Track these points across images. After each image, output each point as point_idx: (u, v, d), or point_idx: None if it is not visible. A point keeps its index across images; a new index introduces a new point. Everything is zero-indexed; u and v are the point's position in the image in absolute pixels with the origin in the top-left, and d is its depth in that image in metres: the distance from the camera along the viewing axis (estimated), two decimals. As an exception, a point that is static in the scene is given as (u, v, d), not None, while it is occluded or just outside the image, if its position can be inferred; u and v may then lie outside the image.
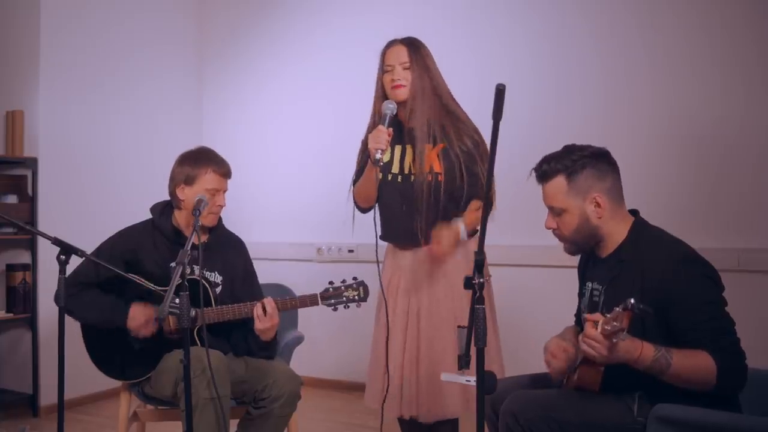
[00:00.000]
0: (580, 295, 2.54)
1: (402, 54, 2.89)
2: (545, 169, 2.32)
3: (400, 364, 2.87)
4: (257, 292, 3.13)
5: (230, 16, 5.81)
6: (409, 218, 2.88)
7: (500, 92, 1.77)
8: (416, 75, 2.88)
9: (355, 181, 3.05)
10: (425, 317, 2.87)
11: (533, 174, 2.38)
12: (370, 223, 2.87)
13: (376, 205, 3.02)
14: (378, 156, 2.72)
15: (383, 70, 2.94)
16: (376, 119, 2.94)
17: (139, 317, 2.89)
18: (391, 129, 2.77)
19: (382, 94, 2.95)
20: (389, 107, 2.80)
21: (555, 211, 2.33)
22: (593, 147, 2.34)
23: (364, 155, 2.96)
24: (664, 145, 4.15)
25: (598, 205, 2.28)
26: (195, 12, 5.87)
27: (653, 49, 4.19)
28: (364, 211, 3.06)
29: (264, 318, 2.86)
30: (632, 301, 1.90)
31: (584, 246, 2.37)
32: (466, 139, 2.88)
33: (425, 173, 2.84)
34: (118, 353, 2.95)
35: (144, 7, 5.38)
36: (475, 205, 2.88)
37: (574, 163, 2.28)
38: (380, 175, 2.93)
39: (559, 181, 2.29)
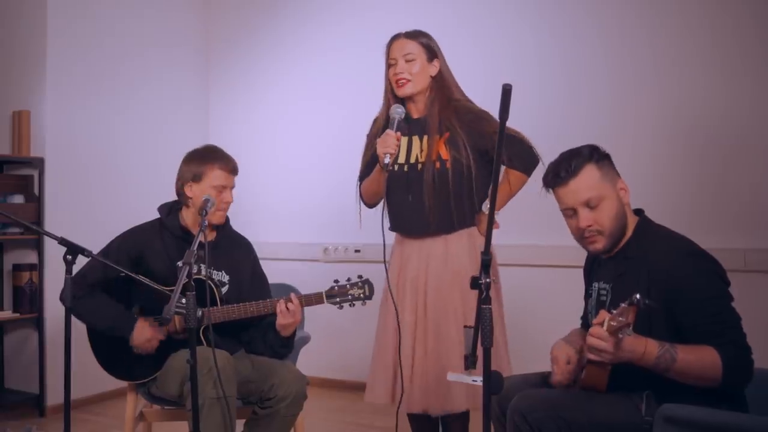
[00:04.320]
0: (587, 296, 2.54)
1: (405, 46, 2.91)
2: (575, 164, 2.26)
3: (410, 359, 2.87)
4: (267, 293, 3.14)
5: (237, 17, 5.82)
6: (415, 207, 2.88)
7: (506, 92, 1.77)
8: (423, 65, 2.90)
9: (361, 178, 3.06)
10: (432, 311, 2.86)
11: (545, 184, 2.36)
12: (376, 223, 2.87)
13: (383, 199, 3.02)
14: (387, 160, 2.74)
15: (388, 63, 2.95)
16: (385, 116, 2.94)
17: (142, 334, 2.91)
18: (399, 133, 2.79)
19: (389, 89, 2.96)
20: (397, 111, 2.83)
21: (591, 204, 2.26)
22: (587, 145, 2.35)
23: (370, 151, 2.98)
24: (671, 145, 4.14)
25: (624, 190, 2.30)
26: (202, 12, 5.88)
27: (660, 49, 4.19)
28: (370, 206, 3.07)
29: (287, 314, 2.87)
30: (638, 296, 1.90)
31: (618, 236, 2.29)
32: (470, 122, 2.88)
33: (432, 161, 2.85)
34: (125, 354, 2.95)
35: (150, 8, 5.39)
36: (512, 174, 2.89)
37: (592, 153, 2.28)
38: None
39: (591, 170, 2.26)
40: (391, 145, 2.75)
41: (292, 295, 2.91)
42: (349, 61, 5.18)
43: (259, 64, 5.69)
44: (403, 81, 2.88)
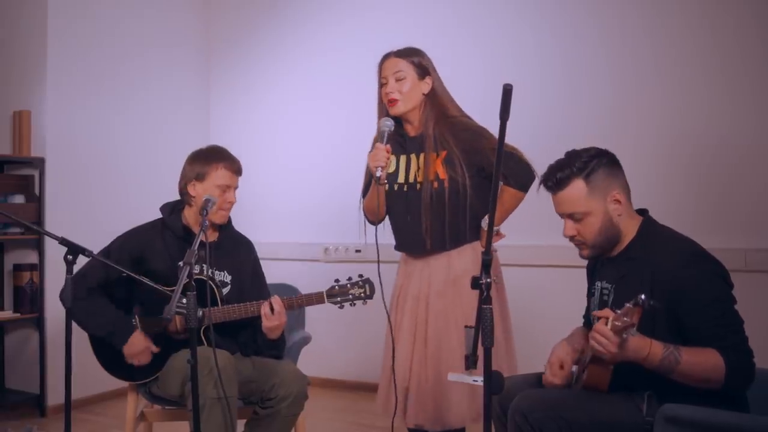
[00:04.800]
0: (589, 295, 2.54)
1: (395, 65, 2.89)
2: (560, 177, 2.26)
3: (407, 371, 2.86)
4: (265, 293, 3.13)
5: (237, 17, 5.82)
6: (415, 227, 2.88)
7: (507, 92, 1.76)
8: (414, 84, 2.88)
9: (363, 195, 3.07)
10: (433, 323, 2.86)
11: (542, 186, 2.36)
12: (378, 226, 2.89)
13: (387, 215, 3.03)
14: (378, 174, 2.75)
15: (380, 83, 2.94)
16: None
17: (136, 346, 2.91)
18: (389, 146, 2.79)
19: (382, 108, 2.96)
20: (386, 124, 2.83)
21: (576, 217, 2.28)
22: (595, 147, 2.33)
23: (369, 171, 2.98)
24: (673, 145, 4.14)
25: (617, 201, 2.27)
26: (202, 12, 5.88)
27: (661, 51, 4.19)
28: (373, 223, 3.05)
29: (271, 316, 2.87)
30: (643, 297, 1.90)
31: (606, 248, 2.32)
32: (466, 140, 2.85)
33: (430, 181, 2.84)
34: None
35: (150, 8, 5.39)
36: (507, 192, 2.86)
37: (587, 164, 2.26)
38: (386, 187, 2.94)
39: (578, 185, 2.26)
40: (381, 158, 2.75)
41: (276, 297, 2.91)
42: (349, 61, 5.18)
43: (260, 64, 5.69)
44: (393, 100, 2.87)
